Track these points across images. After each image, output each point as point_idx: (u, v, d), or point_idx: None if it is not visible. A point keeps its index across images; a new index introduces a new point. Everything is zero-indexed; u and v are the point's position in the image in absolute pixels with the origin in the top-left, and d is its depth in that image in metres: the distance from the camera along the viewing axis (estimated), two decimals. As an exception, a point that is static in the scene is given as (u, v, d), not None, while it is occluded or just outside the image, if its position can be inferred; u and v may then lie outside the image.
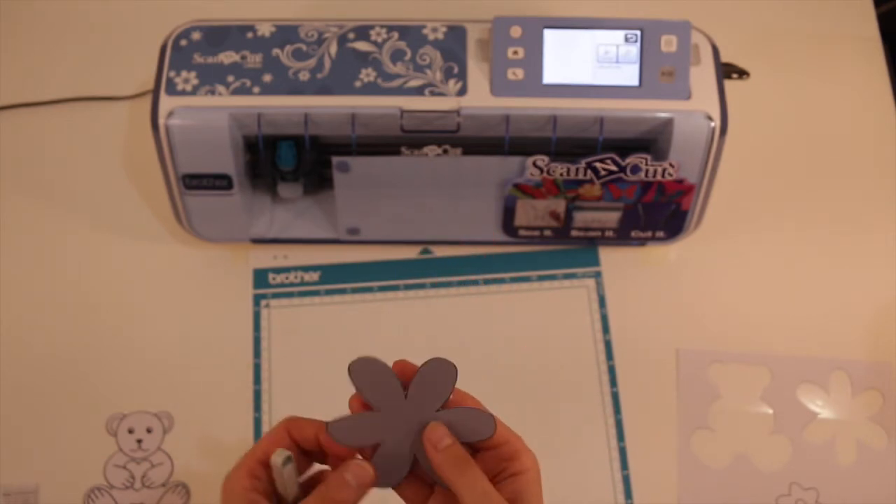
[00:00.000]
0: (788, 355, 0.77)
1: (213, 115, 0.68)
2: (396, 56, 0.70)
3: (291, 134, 0.71)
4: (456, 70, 0.69)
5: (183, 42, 0.70)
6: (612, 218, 0.75)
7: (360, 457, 0.51)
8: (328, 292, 0.79)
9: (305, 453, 0.52)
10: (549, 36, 0.69)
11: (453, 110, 0.69)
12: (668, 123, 0.69)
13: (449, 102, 0.69)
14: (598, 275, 0.80)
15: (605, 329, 0.78)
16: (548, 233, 0.77)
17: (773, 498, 0.73)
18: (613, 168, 0.70)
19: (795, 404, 0.76)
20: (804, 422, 0.75)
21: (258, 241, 0.79)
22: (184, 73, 0.69)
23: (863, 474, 0.74)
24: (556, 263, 0.80)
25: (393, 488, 0.52)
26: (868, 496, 0.73)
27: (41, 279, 0.79)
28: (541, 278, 0.79)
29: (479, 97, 0.69)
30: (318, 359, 0.77)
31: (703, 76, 0.70)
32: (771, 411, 0.76)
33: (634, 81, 0.69)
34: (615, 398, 0.76)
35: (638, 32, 0.69)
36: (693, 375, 0.76)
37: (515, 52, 0.69)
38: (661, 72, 0.69)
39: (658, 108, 0.69)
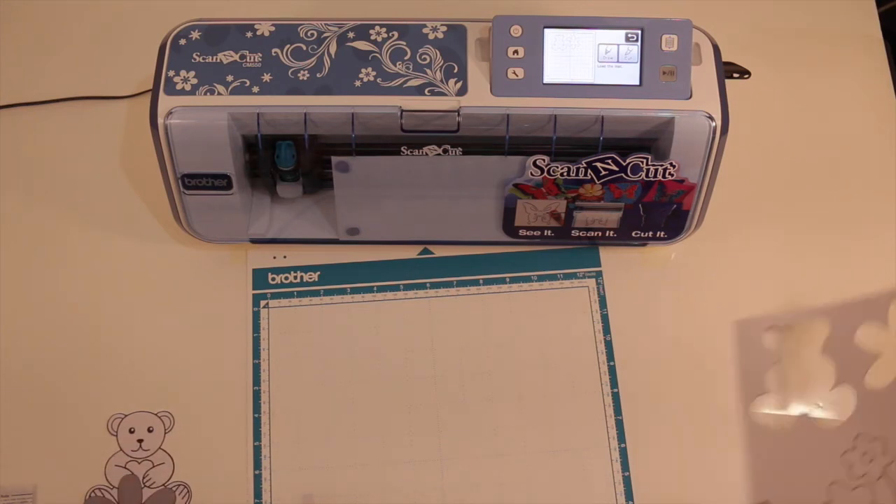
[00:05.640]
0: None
1: (212, 114, 0.68)
2: (396, 55, 0.69)
3: (291, 134, 0.71)
4: (456, 69, 0.69)
5: (182, 41, 0.70)
6: (612, 218, 0.75)
7: None
8: (328, 292, 0.79)
9: None
10: (550, 35, 0.69)
11: (453, 110, 0.68)
12: (668, 123, 0.69)
13: (449, 102, 0.68)
14: (598, 275, 0.79)
15: (606, 329, 0.78)
16: (548, 233, 0.77)
17: (837, 455, 0.72)
18: (614, 168, 0.70)
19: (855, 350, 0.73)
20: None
21: (257, 241, 0.79)
22: (183, 73, 0.69)
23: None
24: (557, 263, 0.80)
25: None
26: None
27: (40, 279, 0.79)
28: (541, 278, 0.79)
29: (479, 97, 0.69)
30: (318, 359, 0.77)
31: (704, 75, 0.70)
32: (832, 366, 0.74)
33: (635, 81, 0.69)
34: (615, 398, 0.76)
35: (639, 32, 0.69)
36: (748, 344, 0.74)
37: (516, 52, 0.69)
38: (661, 71, 0.69)
39: (659, 108, 0.69)
